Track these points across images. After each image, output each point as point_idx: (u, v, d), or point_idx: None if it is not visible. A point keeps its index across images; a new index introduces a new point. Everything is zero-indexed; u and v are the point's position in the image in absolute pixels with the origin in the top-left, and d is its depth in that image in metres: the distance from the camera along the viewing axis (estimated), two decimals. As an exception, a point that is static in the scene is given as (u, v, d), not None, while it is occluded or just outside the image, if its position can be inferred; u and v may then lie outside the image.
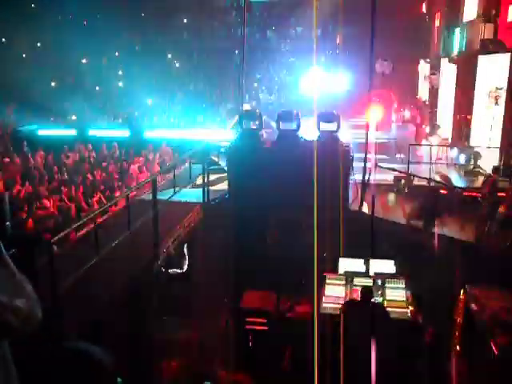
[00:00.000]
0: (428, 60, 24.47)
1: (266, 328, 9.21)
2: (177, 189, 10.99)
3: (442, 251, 10.56)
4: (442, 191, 11.87)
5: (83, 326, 6.62)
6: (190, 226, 10.55)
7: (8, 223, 6.74)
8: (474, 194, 11.90)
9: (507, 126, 14.32)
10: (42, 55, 30.03)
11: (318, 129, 10.69)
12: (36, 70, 27.46)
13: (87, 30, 32.16)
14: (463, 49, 18.94)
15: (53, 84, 28.11)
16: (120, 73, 30.50)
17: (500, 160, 13.72)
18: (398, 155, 16.17)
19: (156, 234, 8.86)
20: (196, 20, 34.49)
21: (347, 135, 13.91)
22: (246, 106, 24.81)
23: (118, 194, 12.65)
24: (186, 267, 11.14)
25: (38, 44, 31.55)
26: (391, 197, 12.53)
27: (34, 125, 21.28)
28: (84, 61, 30.90)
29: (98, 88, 28.16)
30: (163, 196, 10.36)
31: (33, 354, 2.15)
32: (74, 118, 25.04)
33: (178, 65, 31.94)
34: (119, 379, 2.57)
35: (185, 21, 34.88)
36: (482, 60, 16.63)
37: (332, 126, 10.62)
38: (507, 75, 14.35)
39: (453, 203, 11.66)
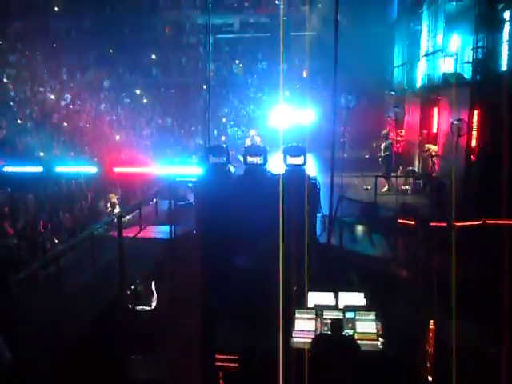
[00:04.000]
0: (393, 93, 24.98)
1: (237, 365, 9.09)
2: (143, 226, 10.89)
3: (412, 281, 10.62)
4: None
5: (45, 365, 6.45)
6: (157, 262, 10.43)
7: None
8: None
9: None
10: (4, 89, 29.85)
11: (285, 163, 10.74)
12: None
13: (53, 62, 32.15)
14: (425, 81, 19.42)
15: (19, 121, 27.80)
16: (88, 108, 30.38)
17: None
18: (364, 187, 16.33)
19: (122, 272, 8.73)
20: (164, 56, 34.73)
21: (314, 169, 14.04)
22: (222, 139, 24.93)
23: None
24: (154, 304, 10.97)
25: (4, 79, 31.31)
26: (359, 228, 12.60)
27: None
28: (52, 96, 30.72)
29: (65, 124, 27.94)
30: (130, 233, 10.25)
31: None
32: (41, 154, 24.73)
33: (145, 100, 31.96)
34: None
35: (153, 57, 35.09)
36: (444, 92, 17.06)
37: (299, 160, 10.69)
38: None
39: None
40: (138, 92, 32.16)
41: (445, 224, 11.90)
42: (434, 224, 12.13)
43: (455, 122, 14.61)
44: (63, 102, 29.90)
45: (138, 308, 10.32)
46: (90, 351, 7.79)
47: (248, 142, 22.06)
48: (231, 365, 9.14)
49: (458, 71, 16.75)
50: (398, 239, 11.87)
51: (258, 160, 10.91)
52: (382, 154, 17.78)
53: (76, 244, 9.60)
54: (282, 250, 8.80)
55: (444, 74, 17.19)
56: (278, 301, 8.40)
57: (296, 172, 10.53)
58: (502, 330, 8.74)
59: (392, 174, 17.62)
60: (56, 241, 12.03)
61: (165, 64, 34.38)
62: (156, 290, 10.95)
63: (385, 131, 19.12)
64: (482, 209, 12.34)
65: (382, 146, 17.94)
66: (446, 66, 17.61)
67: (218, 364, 9.16)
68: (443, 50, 17.89)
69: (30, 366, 6.17)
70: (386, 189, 16.67)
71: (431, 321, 9.23)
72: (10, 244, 12.10)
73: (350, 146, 23.68)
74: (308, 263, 9.49)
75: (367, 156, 22.44)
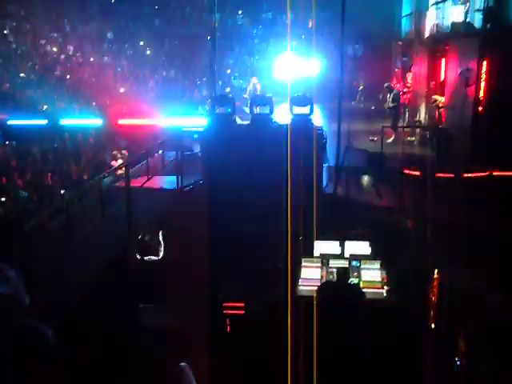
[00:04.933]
0: (400, 43, 24.57)
1: (242, 313, 9.23)
2: (150, 176, 10.92)
3: (417, 231, 10.69)
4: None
5: (56, 314, 6.55)
6: (164, 212, 10.48)
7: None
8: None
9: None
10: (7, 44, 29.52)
11: (292, 112, 10.66)
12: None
13: (55, 16, 31.67)
14: (434, 31, 19.07)
15: (22, 74, 27.59)
16: (91, 60, 30.05)
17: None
18: (371, 138, 16.25)
19: (129, 221, 8.80)
20: (167, 6, 34.11)
21: (320, 119, 13.95)
22: (227, 91, 24.72)
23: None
24: (161, 254, 11.07)
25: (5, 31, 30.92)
26: (365, 178, 12.59)
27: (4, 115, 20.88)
28: (54, 49, 30.37)
29: (68, 77, 27.70)
30: (137, 183, 10.28)
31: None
32: (45, 107, 24.63)
33: (149, 52, 31.55)
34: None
35: (156, 7, 34.45)
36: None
37: (305, 110, 10.60)
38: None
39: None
40: (141, 43, 31.73)
41: (451, 175, 11.92)
42: (441, 175, 12.14)
43: (463, 72, 14.42)
44: (65, 55, 29.58)
45: (145, 258, 10.41)
46: (101, 299, 7.94)
47: (249, 89, 21.94)
48: (238, 312, 9.29)
49: (467, 20, 16.43)
50: (404, 190, 11.89)
51: (264, 110, 10.83)
52: (390, 105, 17.64)
53: (84, 194, 9.66)
54: (289, 198, 8.84)
55: (453, 23, 16.89)
56: (285, 249, 8.48)
57: (303, 122, 10.46)
58: (508, 278, 8.84)
59: (399, 125, 17.51)
60: (63, 192, 12.08)
61: (168, 15, 33.79)
62: (163, 239, 11.03)
63: (387, 83, 18.94)
64: (489, 160, 12.30)
65: (389, 97, 17.77)
66: (456, 15, 17.26)
67: (226, 312, 9.30)
68: (453, -1, 17.52)
69: (43, 315, 6.27)
70: (391, 139, 16.59)
71: (435, 270, 9.32)
72: (22, 196, 12.19)
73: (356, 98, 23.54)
74: (315, 213, 9.54)
75: (373, 107, 22.25)
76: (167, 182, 11.53)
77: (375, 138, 15.72)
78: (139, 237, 9.53)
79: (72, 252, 7.53)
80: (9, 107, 21.87)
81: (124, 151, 15.10)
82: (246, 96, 20.99)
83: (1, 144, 17.02)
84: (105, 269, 8.24)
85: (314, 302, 7.96)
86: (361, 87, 24.12)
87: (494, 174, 11.37)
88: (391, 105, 17.60)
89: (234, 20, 33.31)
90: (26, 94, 24.33)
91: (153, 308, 9.75)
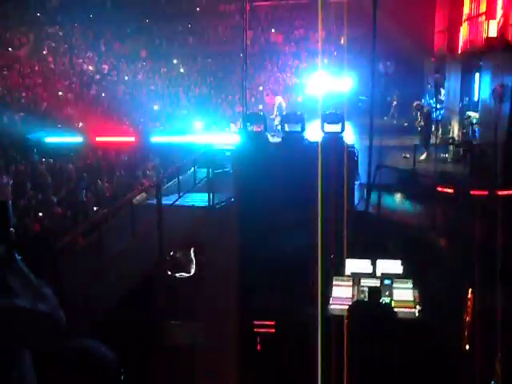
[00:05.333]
0: (433, 59, 24.43)
1: (273, 331, 9.20)
2: (181, 193, 11.01)
3: (451, 250, 10.54)
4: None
5: (91, 327, 6.65)
6: (195, 230, 10.56)
7: (12, 229, 6.76)
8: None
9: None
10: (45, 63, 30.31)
11: (323, 130, 10.66)
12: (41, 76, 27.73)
13: (87, 33, 32.45)
14: (467, 46, 18.93)
15: (60, 93, 28.24)
16: (126, 78, 30.60)
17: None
18: (403, 155, 16.13)
19: (161, 239, 8.88)
20: (200, 24, 34.58)
21: (352, 136, 13.91)
22: (259, 108, 24.90)
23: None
24: (193, 271, 11.14)
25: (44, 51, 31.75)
26: (397, 196, 12.49)
27: (42, 132, 21.36)
28: (90, 68, 31.06)
29: (103, 94, 28.25)
30: (168, 200, 10.37)
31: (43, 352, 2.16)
32: (80, 125, 25.13)
33: (182, 70, 31.98)
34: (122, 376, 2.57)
35: (189, 25, 34.95)
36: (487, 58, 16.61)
37: (336, 128, 10.59)
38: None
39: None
40: (175, 61, 32.18)
41: (486, 192, 11.73)
42: (475, 192, 11.96)
43: (497, 88, 14.24)
44: (101, 73, 30.20)
45: (177, 275, 10.48)
46: (130, 315, 8.01)
47: (275, 109, 21.97)
48: (269, 331, 9.26)
49: (502, 35, 16.26)
50: (437, 207, 11.74)
51: (295, 127, 10.85)
52: (422, 123, 17.53)
53: (116, 211, 9.79)
54: (321, 216, 8.82)
55: (487, 38, 16.72)
56: (317, 268, 8.45)
57: (334, 139, 10.44)
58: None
59: (431, 142, 17.36)
60: (96, 209, 12.28)
61: (201, 33, 34.23)
62: (195, 257, 11.10)
63: (416, 103, 18.86)
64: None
65: (420, 115, 17.68)
66: (490, 29, 17.10)
67: (256, 330, 9.29)
68: (487, 13, 17.36)
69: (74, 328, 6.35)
70: (424, 157, 16.44)
71: (469, 289, 9.17)
72: (55, 213, 12.43)
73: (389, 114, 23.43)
74: (346, 231, 9.48)
75: (406, 124, 22.10)
76: (199, 199, 11.61)
77: (408, 155, 15.60)
78: (171, 254, 9.63)
79: (103, 268, 7.62)
80: (46, 125, 22.39)
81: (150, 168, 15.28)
82: (272, 117, 20.93)
83: (37, 161, 17.40)
84: (135, 286, 8.32)
85: (345, 321, 7.91)
86: (394, 103, 24.03)
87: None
88: (422, 123, 17.50)
89: (266, 37, 33.57)
90: (63, 111, 24.89)
91: (182, 325, 9.82)
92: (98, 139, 20.29)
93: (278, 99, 22.74)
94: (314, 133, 11.32)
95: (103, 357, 2.21)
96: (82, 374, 2.15)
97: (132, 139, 20.10)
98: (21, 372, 2.02)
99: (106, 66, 30.82)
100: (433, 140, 17.85)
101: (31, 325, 1.93)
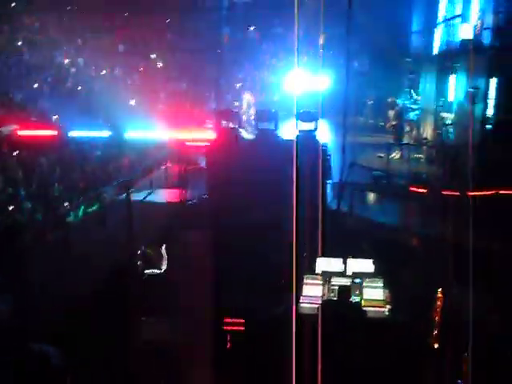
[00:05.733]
0: (409, 59, 24.58)
1: (242, 329, 9.17)
2: (153, 189, 10.93)
3: (422, 250, 10.62)
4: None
5: (55, 326, 6.55)
6: (167, 225, 10.47)
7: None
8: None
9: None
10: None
11: (297, 128, 10.67)
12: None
13: (63, 27, 32.01)
14: (443, 48, 19.10)
15: (35, 85, 27.83)
16: (103, 73, 30.27)
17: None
18: (378, 154, 16.21)
19: (130, 235, 8.79)
20: (179, 19, 34.35)
21: (326, 135, 13.94)
22: (235, 105, 24.83)
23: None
24: (163, 267, 11.04)
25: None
26: (370, 195, 12.56)
27: (14, 125, 21.00)
28: (66, 61, 30.65)
29: (79, 88, 27.90)
30: (139, 197, 10.29)
31: None
32: (55, 117, 24.78)
33: (161, 64, 31.75)
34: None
35: (168, 20, 34.71)
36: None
37: (310, 126, 10.61)
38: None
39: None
40: (152, 56, 31.95)
41: (458, 193, 11.84)
42: (447, 192, 12.07)
43: (471, 90, 14.39)
44: (77, 67, 29.85)
45: (147, 271, 10.38)
46: (102, 313, 7.92)
47: (244, 106, 21.94)
48: (238, 328, 9.23)
49: (476, 38, 16.42)
50: (410, 207, 11.83)
51: (269, 125, 10.85)
52: (393, 123, 17.64)
53: (87, 207, 9.68)
54: (294, 214, 8.80)
55: (462, 41, 16.87)
56: (288, 266, 8.42)
57: (307, 137, 10.46)
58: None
59: (405, 142, 17.49)
60: (67, 204, 12.11)
61: (180, 28, 34.02)
62: (166, 253, 11.01)
63: (390, 99, 18.98)
64: (496, 178, 12.22)
65: (391, 114, 17.79)
66: (465, 32, 17.24)
67: (226, 327, 9.26)
68: (462, 16, 17.52)
69: (38, 325, 6.26)
70: (398, 156, 16.53)
71: (439, 289, 9.24)
72: (25, 207, 12.22)
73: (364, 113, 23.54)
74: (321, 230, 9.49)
75: (382, 123, 22.22)
76: (170, 195, 11.53)
77: (382, 155, 15.69)
78: (141, 250, 9.50)
79: (72, 264, 7.52)
80: (20, 117, 22.03)
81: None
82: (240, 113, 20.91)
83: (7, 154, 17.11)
84: (105, 281, 8.23)
85: (316, 320, 7.91)
86: (370, 102, 24.14)
87: (501, 192, 11.29)
88: (394, 122, 17.60)
89: (244, 34, 33.48)
90: (38, 104, 24.53)
91: (155, 322, 9.73)
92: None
93: (246, 96, 22.78)
94: (289, 131, 11.32)
95: (49, 359, 2.17)
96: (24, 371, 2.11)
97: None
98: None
99: (81, 60, 30.46)
100: (407, 140, 17.99)
101: None
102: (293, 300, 8.40)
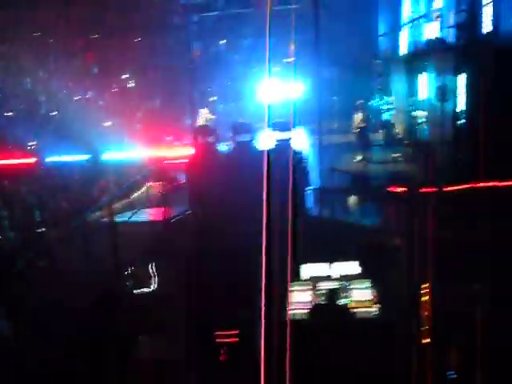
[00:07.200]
0: (379, 61, 24.86)
1: (236, 340, 9.25)
2: (136, 209, 10.99)
3: (404, 248, 10.76)
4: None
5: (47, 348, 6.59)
6: (151, 244, 10.54)
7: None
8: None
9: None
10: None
11: (272, 138, 10.79)
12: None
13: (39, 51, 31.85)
14: (410, 48, 19.40)
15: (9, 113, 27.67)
16: (77, 98, 30.19)
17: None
18: (354, 158, 16.37)
19: (116, 257, 8.85)
20: (149, 38, 34.36)
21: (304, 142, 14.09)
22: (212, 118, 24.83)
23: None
24: (152, 286, 11.09)
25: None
26: (350, 199, 12.70)
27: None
28: (39, 87, 30.52)
29: (54, 113, 27.79)
30: (123, 217, 10.34)
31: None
32: (33, 144, 24.58)
33: (133, 84, 31.72)
34: None
35: (138, 39, 34.72)
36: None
37: (285, 135, 10.76)
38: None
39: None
40: (124, 77, 31.89)
41: (435, 189, 12.02)
42: (425, 190, 12.25)
43: (440, 87, 14.65)
44: (50, 92, 29.71)
45: (135, 291, 10.44)
46: (92, 335, 7.96)
47: (201, 122, 21.87)
48: (231, 340, 9.31)
49: (442, 36, 16.71)
50: (390, 207, 11.98)
51: (245, 137, 10.99)
52: (361, 125, 17.66)
53: (71, 231, 9.72)
54: (277, 223, 8.90)
55: (428, 40, 17.17)
56: (274, 275, 8.52)
57: (283, 147, 10.60)
58: (494, 291, 8.92)
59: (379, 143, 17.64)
60: (51, 230, 12.11)
61: (151, 47, 34.03)
62: (154, 271, 11.07)
63: (358, 102, 19.09)
64: (470, 172, 12.43)
65: (357, 117, 17.83)
66: (430, 31, 17.56)
67: (219, 340, 9.32)
68: (427, 16, 17.84)
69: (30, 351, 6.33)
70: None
71: (425, 284, 9.39)
72: (8, 237, 12.14)
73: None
74: (300, 236, 9.60)
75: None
76: (154, 214, 11.60)
77: (359, 158, 15.85)
78: (130, 270, 9.57)
79: (61, 290, 7.57)
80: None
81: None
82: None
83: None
84: (96, 303, 8.28)
85: (305, 325, 8.03)
86: (339, 106, 24.25)
87: (476, 186, 11.48)
88: (362, 125, 17.63)
89: (216, 48, 33.59)
90: (13, 132, 24.37)
91: (148, 340, 9.76)
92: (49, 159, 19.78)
93: (203, 112, 22.80)
94: (264, 141, 11.44)
95: None
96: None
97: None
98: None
99: (54, 84, 30.32)
100: (381, 140, 18.15)
101: None
102: (279, 308, 8.51)
